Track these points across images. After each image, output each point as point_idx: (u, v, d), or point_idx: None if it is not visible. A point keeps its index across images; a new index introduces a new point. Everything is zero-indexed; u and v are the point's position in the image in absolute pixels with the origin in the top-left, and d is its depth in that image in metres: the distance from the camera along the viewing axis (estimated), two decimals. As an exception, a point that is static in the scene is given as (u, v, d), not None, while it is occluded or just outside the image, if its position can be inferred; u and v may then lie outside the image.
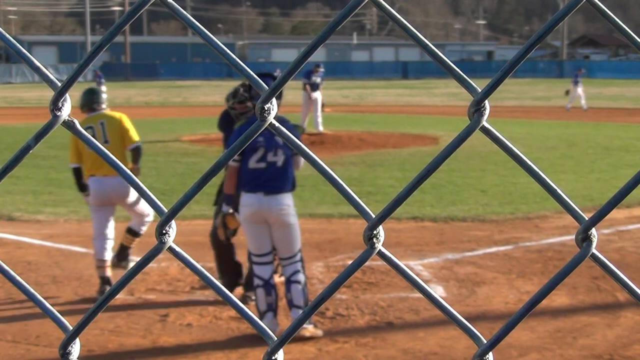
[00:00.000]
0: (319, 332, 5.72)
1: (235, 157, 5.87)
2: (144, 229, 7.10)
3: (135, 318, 6.15)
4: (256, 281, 5.80)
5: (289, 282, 5.78)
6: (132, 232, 7.07)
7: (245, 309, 0.90)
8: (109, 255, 6.80)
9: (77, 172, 6.90)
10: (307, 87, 19.77)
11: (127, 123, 6.92)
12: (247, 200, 5.74)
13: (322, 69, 20.43)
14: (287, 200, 5.74)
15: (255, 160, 5.70)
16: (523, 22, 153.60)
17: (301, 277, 5.78)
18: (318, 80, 20.04)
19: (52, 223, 9.71)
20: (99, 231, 6.81)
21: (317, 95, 20.00)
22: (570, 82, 31.02)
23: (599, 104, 32.60)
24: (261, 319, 5.64)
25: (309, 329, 5.67)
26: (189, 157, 15.87)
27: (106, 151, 0.87)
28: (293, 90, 19.81)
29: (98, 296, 6.56)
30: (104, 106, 6.94)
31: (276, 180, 5.70)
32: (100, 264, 6.76)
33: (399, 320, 6.08)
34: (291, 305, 5.74)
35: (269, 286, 5.76)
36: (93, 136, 6.74)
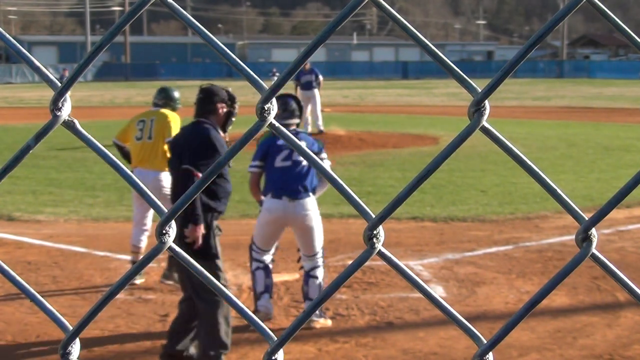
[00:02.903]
0: (328, 323, 5.91)
1: (258, 162, 5.90)
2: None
3: (135, 318, 6.14)
4: (255, 264, 5.96)
5: (307, 276, 5.97)
6: None
7: (245, 309, 0.90)
8: (143, 244, 7.13)
9: (117, 145, 7.33)
10: (297, 88, 19.34)
11: (172, 122, 7.11)
12: (272, 206, 5.85)
13: (308, 66, 19.54)
14: (312, 204, 5.87)
15: (281, 159, 5.84)
16: (523, 22, 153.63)
17: (320, 272, 5.96)
18: (309, 78, 19.43)
19: (52, 223, 9.71)
20: (138, 221, 7.21)
21: (312, 94, 19.41)
22: None
23: (599, 104, 32.60)
24: (258, 299, 5.88)
25: (319, 322, 5.84)
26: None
27: (106, 151, 0.87)
28: (292, 90, 19.74)
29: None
30: (176, 105, 7.38)
31: (301, 180, 5.82)
32: (135, 250, 7.16)
33: (399, 320, 6.07)
34: (306, 297, 5.96)
35: (267, 269, 5.99)
36: (142, 130, 7.00)
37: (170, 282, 6.87)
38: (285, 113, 5.96)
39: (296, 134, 5.97)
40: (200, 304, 5.03)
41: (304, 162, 5.82)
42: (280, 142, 5.81)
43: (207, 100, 5.19)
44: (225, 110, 5.23)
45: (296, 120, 6.07)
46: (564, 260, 7.48)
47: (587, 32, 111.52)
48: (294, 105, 6.04)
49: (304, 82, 19.17)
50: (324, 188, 6.03)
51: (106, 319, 5.96)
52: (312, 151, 5.77)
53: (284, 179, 5.80)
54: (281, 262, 7.27)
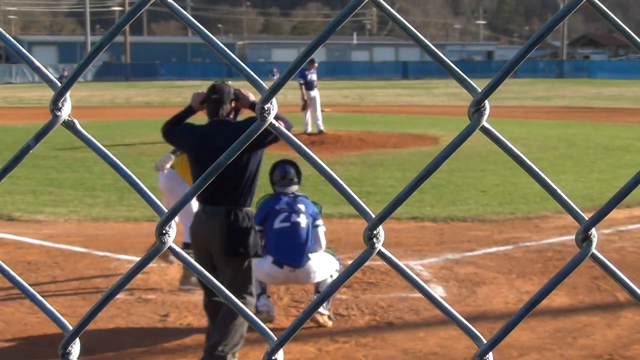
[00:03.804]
0: (329, 323, 5.89)
1: (257, 227, 5.81)
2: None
3: (135, 318, 6.14)
4: None
5: None
6: (186, 246, 6.97)
7: (246, 309, 0.90)
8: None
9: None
10: (302, 86, 19.36)
11: None
12: (273, 273, 5.90)
13: (316, 65, 19.69)
14: (314, 265, 5.89)
15: (279, 220, 5.90)
16: (523, 22, 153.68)
17: (335, 275, 6.02)
18: (314, 77, 19.49)
19: (52, 223, 9.71)
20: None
21: (315, 93, 19.51)
22: None
23: (598, 104, 32.60)
24: (256, 301, 5.84)
25: (323, 317, 5.86)
26: (189, 157, 15.82)
27: (106, 151, 0.87)
28: (294, 90, 19.73)
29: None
30: None
31: (301, 246, 5.86)
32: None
33: (399, 320, 6.07)
34: (315, 290, 6.08)
35: None
36: None
37: (189, 287, 6.81)
38: (284, 180, 6.04)
39: (295, 197, 6.04)
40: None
41: (303, 225, 5.86)
42: (279, 206, 5.91)
43: (223, 99, 5.17)
44: (233, 106, 5.25)
45: (295, 187, 6.09)
46: (564, 260, 7.48)
47: (587, 32, 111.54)
48: (292, 172, 6.09)
49: (309, 81, 19.19)
50: (319, 251, 6.09)
51: (106, 319, 5.96)
52: (310, 215, 5.93)
53: (284, 243, 5.84)
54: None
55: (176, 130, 5.27)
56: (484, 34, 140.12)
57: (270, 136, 4.86)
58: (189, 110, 5.30)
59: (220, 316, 5.07)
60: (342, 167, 13.96)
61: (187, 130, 5.26)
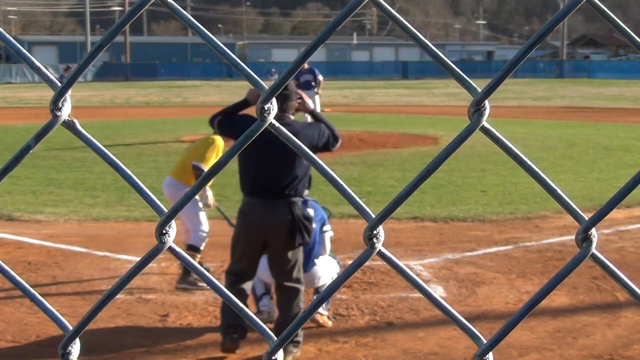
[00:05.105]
0: (329, 323, 5.93)
1: None
2: (200, 242, 6.98)
3: (135, 318, 6.14)
4: None
5: None
6: (190, 248, 6.95)
7: (246, 309, 0.90)
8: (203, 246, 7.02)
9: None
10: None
11: (208, 146, 6.95)
12: None
13: (306, 67, 19.19)
14: (320, 270, 5.90)
15: None
16: (523, 22, 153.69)
17: (336, 276, 5.99)
18: (308, 78, 19.38)
19: (52, 223, 9.70)
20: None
21: (311, 94, 19.38)
22: None
23: (599, 104, 32.59)
24: (259, 300, 5.93)
25: (323, 317, 5.89)
26: (189, 157, 15.82)
27: (106, 151, 0.87)
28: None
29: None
30: None
31: (309, 249, 5.83)
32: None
33: (399, 320, 6.07)
34: (315, 292, 6.11)
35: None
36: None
37: (185, 286, 6.80)
38: None
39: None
40: (291, 285, 5.35)
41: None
42: None
43: (292, 97, 5.31)
44: (296, 107, 5.49)
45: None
46: (564, 260, 7.48)
47: (587, 32, 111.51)
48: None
49: (302, 82, 19.21)
50: (324, 255, 6.09)
51: (106, 319, 5.96)
52: (319, 220, 5.87)
53: None
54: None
55: (236, 120, 5.34)
56: (484, 34, 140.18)
57: (322, 142, 5.22)
58: (245, 104, 5.37)
59: (284, 306, 5.38)
60: (342, 167, 13.96)
61: (250, 121, 5.35)
